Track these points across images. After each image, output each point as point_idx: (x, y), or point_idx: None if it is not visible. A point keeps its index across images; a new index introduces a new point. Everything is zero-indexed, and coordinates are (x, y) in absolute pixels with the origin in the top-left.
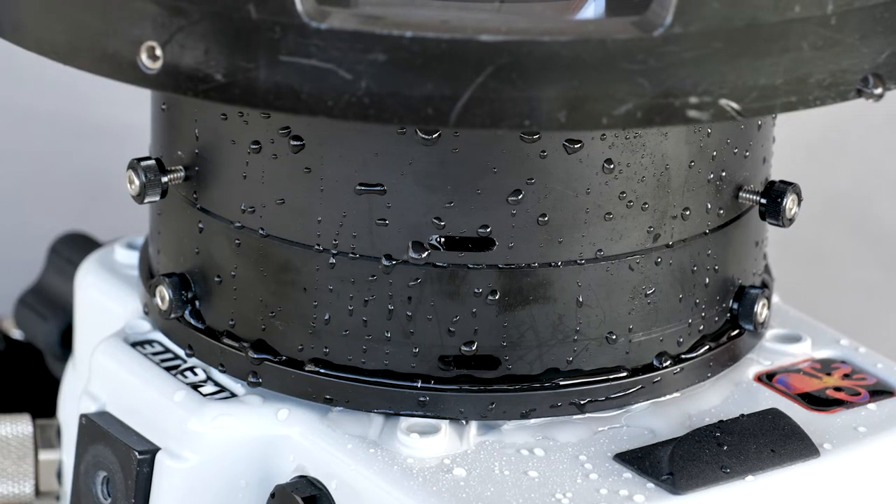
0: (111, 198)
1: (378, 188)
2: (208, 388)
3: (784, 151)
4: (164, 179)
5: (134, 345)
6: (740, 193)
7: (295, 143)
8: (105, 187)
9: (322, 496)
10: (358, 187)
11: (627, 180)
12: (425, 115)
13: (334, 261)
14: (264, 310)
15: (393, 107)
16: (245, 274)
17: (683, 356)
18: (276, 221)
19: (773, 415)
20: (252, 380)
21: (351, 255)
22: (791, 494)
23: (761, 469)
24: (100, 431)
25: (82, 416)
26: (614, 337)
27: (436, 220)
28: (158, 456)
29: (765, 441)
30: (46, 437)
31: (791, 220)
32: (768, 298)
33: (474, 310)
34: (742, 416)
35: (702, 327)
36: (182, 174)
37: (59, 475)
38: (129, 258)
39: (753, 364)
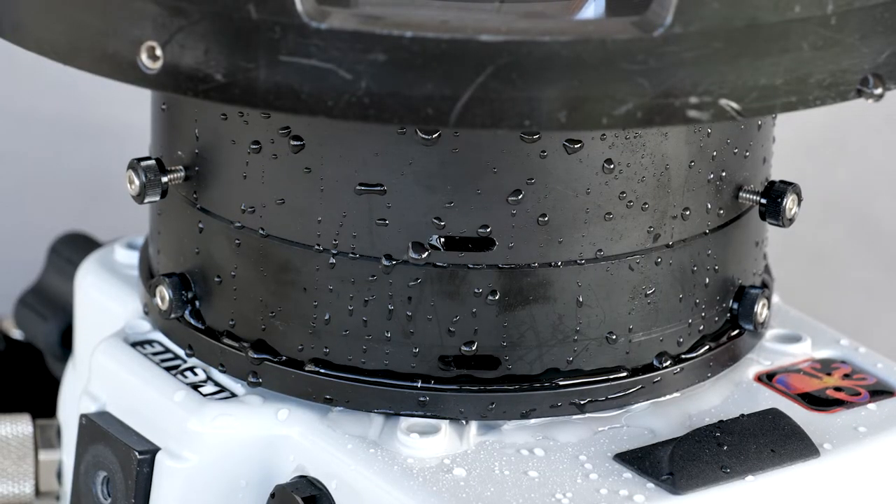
0: (111, 198)
1: (378, 188)
2: (208, 388)
3: (784, 151)
4: (164, 179)
5: (134, 345)
6: (740, 193)
7: (295, 143)
8: (105, 187)
9: (322, 496)
10: (358, 187)
11: (627, 180)
12: (425, 115)
13: (334, 261)
14: (264, 310)
15: (393, 107)
16: (245, 274)
17: (683, 356)
18: (276, 221)
19: (773, 415)
20: (252, 380)
21: (351, 255)
22: (791, 494)
23: (761, 469)
24: (100, 431)
25: (82, 416)
26: (614, 337)
27: (436, 220)
28: (158, 456)
29: (765, 441)
30: (46, 437)
31: (791, 220)
32: (768, 298)
33: (474, 310)
34: (742, 416)
35: (702, 327)
36: (182, 174)
37: (59, 475)
38: (129, 258)
39: (753, 364)
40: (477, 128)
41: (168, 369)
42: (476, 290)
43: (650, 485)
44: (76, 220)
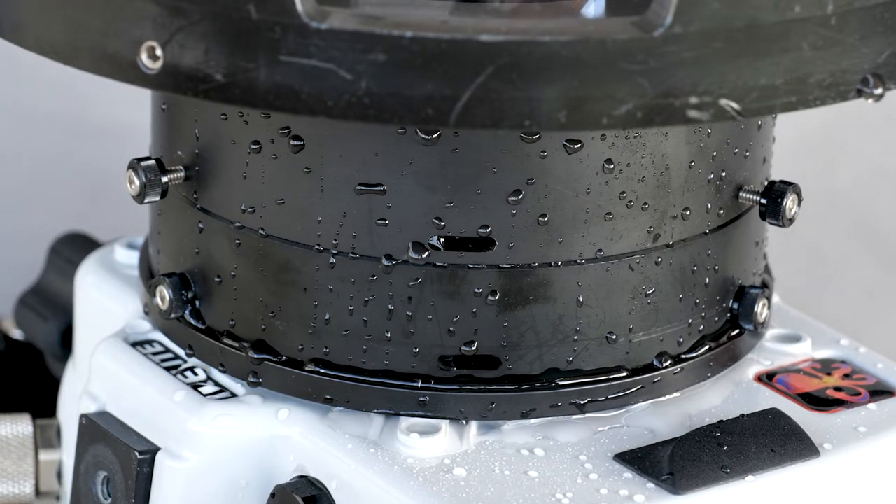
0: (111, 198)
1: (378, 188)
2: (208, 388)
3: (784, 151)
4: (165, 179)
5: (134, 345)
6: (740, 193)
7: (295, 143)
8: (105, 187)
9: (322, 496)
10: (358, 187)
11: (627, 180)
12: (425, 115)
13: (334, 261)
14: (264, 310)
15: (393, 107)
16: (245, 274)
17: (683, 356)
18: (276, 221)
19: (774, 415)
20: (252, 380)
21: (351, 255)
22: (791, 494)
23: (761, 469)
24: (100, 431)
25: (82, 416)
26: (614, 337)
27: (436, 220)
28: (158, 456)
29: (765, 441)
30: (46, 437)
31: (791, 220)
32: (768, 298)
33: (474, 310)
34: (742, 416)
35: (702, 327)
36: (182, 174)
37: (59, 475)
38: (129, 258)
39: (753, 364)
40: (477, 128)
41: (168, 369)
42: (476, 290)
43: (650, 485)
44: (76, 220)
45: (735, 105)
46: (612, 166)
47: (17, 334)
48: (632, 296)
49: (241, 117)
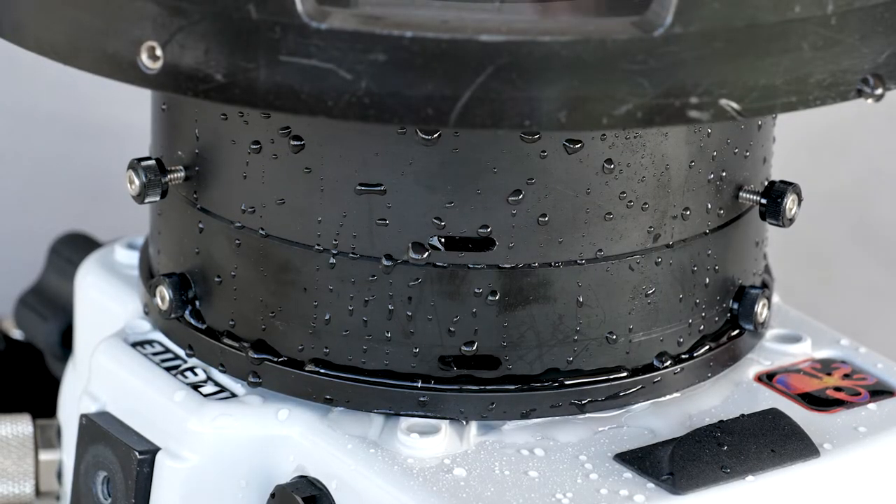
0: (111, 198)
1: (378, 188)
2: (208, 389)
3: (784, 151)
4: (165, 179)
5: (134, 345)
6: (740, 193)
7: (295, 143)
8: (105, 187)
9: (322, 496)
10: (358, 187)
11: (627, 180)
12: (425, 115)
13: (334, 261)
14: (264, 310)
15: (393, 107)
16: (245, 274)
17: (683, 356)
18: (276, 221)
19: (774, 415)
20: (252, 380)
21: (351, 255)
22: (791, 494)
23: (761, 469)
24: (100, 431)
25: (82, 416)
26: (614, 337)
27: (436, 221)
28: (158, 456)
29: (765, 441)
30: (47, 437)
31: (791, 221)
32: (768, 298)
33: (474, 310)
34: (742, 416)
35: (702, 327)
36: (182, 174)
37: (59, 475)
38: (129, 258)
39: (754, 364)
40: (477, 128)
41: (168, 369)
42: (476, 290)
43: (650, 485)
44: (76, 220)
45: (735, 105)
46: (612, 166)
47: (17, 334)
48: (632, 296)
49: (241, 117)
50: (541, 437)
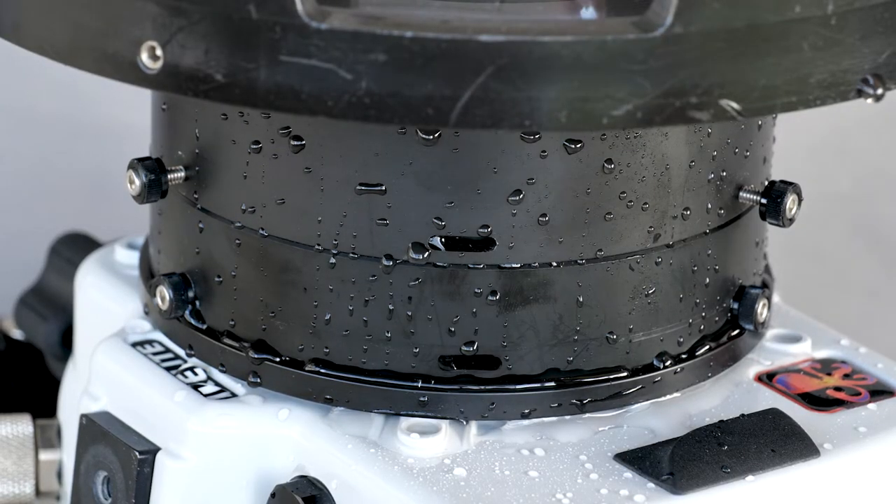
0: (111, 198)
1: (378, 188)
2: (209, 388)
3: (784, 151)
4: (165, 179)
5: (134, 345)
6: (740, 193)
7: (295, 143)
8: (105, 187)
9: (322, 496)
10: (358, 187)
11: (627, 180)
12: (425, 115)
13: (335, 261)
14: (265, 310)
15: (393, 107)
16: (245, 274)
17: (684, 356)
18: (276, 221)
19: (774, 415)
20: (252, 380)
21: (351, 255)
22: (791, 494)
23: (761, 469)
24: (100, 431)
25: (83, 416)
26: (614, 337)
27: (436, 221)
28: (159, 456)
29: (765, 441)
30: (47, 437)
31: (791, 221)
32: (769, 298)
33: (474, 310)
34: (742, 415)
35: (702, 327)
36: (182, 174)
37: (59, 475)
38: (129, 258)
39: (754, 364)
40: (477, 128)
41: (168, 369)
42: (476, 290)
43: (650, 485)
44: (76, 220)
45: (735, 105)
46: (612, 166)
47: (17, 334)
48: (632, 296)
49: (242, 117)
50: (541, 437)
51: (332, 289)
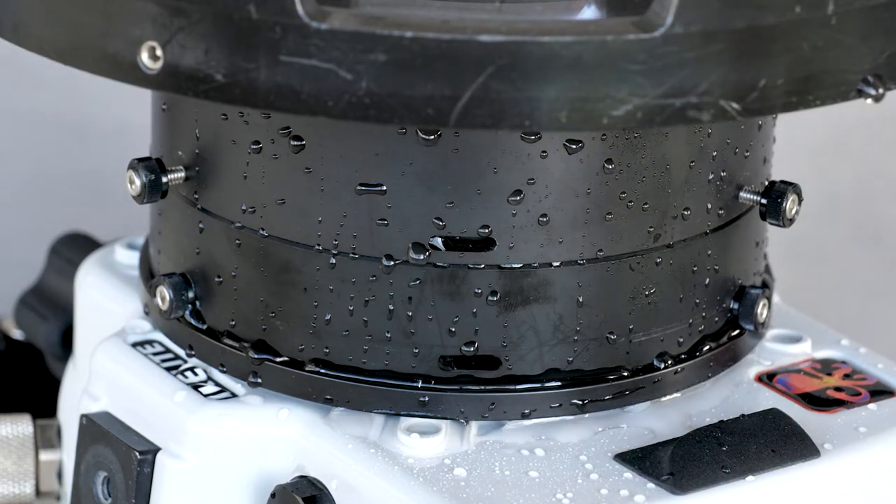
0: (111, 198)
1: (378, 188)
2: (209, 389)
3: (785, 151)
4: (165, 179)
5: (134, 345)
6: (741, 193)
7: (295, 143)
8: (105, 187)
9: (323, 496)
10: (358, 187)
11: (628, 180)
12: (426, 115)
13: (335, 261)
14: (265, 310)
15: (393, 107)
16: (245, 274)
17: (684, 356)
18: (276, 221)
19: (774, 415)
20: (252, 380)
21: (351, 255)
22: (792, 494)
23: (762, 469)
24: (100, 431)
25: (83, 416)
26: (614, 337)
27: (436, 221)
28: (159, 456)
29: (765, 441)
30: (47, 438)
31: (791, 221)
32: (769, 298)
33: (475, 310)
34: (742, 416)
35: (702, 327)
36: (182, 174)
37: (59, 475)
38: (129, 258)
39: (754, 364)
40: (477, 128)
41: (168, 369)
42: (476, 291)
43: (651, 485)
44: (76, 220)
45: (735, 105)
46: (612, 166)
47: (17, 334)
48: (632, 296)
49: (242, 117)
50: (541, 438)
51: (332, 289)
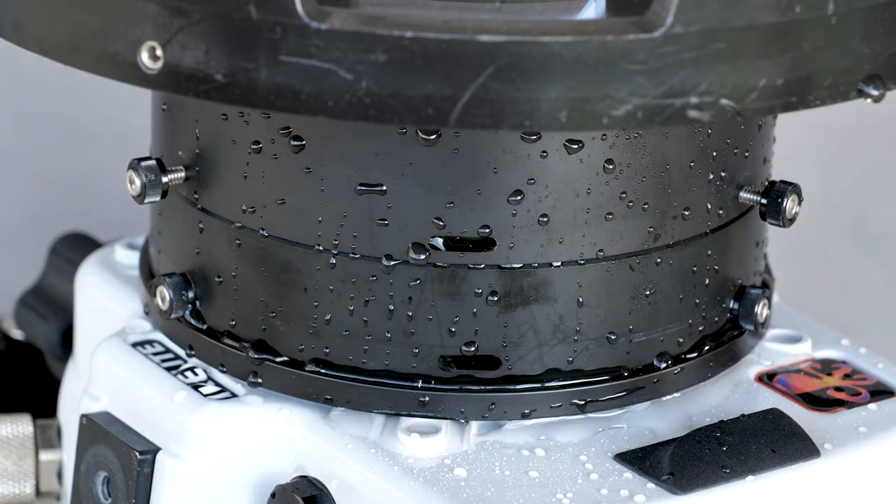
0: (111, 198)
1: (378, 188)
2: (209, 389)
3: (784, 151)
4: (165, 179)
5: (134, 345)
6: (741, 193)
7: (295, 143)
8: (105, 187)
9: (323, 496)
10: (358, 187)
11: (628, 180)
12: (426, 115)
13: (335, 261)
14: (265, 310)
15: (393, 107)
16: (246, 274)
17: (684, 356)
18: (276, 221)
19: (774, 415)
20: (252, 380)
21: (351, 255)
22: (792, 494)
23: (762, 469)
24: (100, 431)
25: (83, 416)
26: (615, 337)
27: (436, 221)
28: (159, 456)
29: (765, 441)
30: (47, 438)
31: (791, 221)
32: (769, 298)
33: (475, 310)
34: (742, 416)
35: (702, 327)
36: (182, 174)
37: (59, 475)
38: (129, 258)
39: (754, 364)
40: (477, 128)
41: (168, 369)
42: (476, 291)
43: (651, 485)
44: (76, 220)
45: (735, 105)
46: (612, 166)
47: (17, 334)
48: (632, 296)
49: (242, 117)
50: (541, 437)
51: (332, 289)
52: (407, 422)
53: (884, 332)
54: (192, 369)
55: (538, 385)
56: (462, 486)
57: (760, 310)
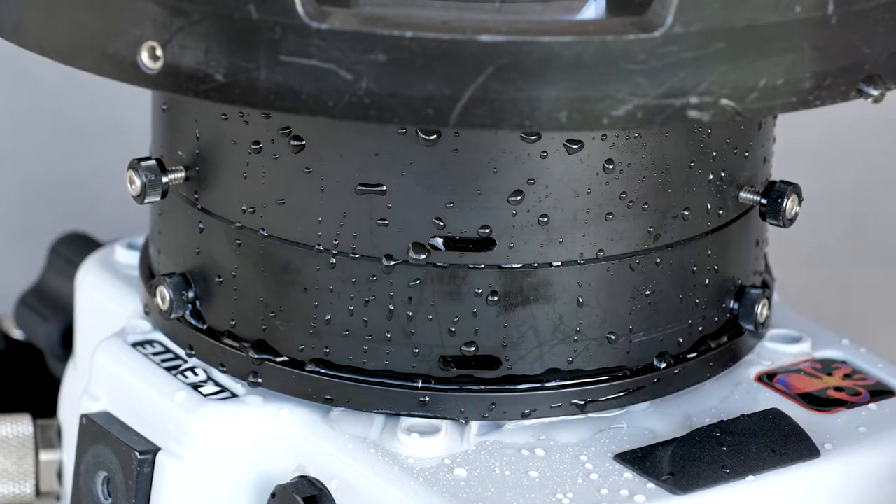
0: (111, 198)
1: (378, 188)
2: (209, 389)
3: (785, 151)
4: (165, 179)
5: (134, 345)
6: (741, 193)
7: (295, 143)
8: (105, 187)
9: (323, 496)
10: (358, 187)
11: (628, 180)
12: (426, 115)
13: (335, 261)
14: (265, 310)
15: (393, 107)
16: (246, 274)
17: (684, 356)
18: (276, 221)
19: (774, 415)
20: (252, 380)
21: (351, 255)
22: (792, 494)
23: (762, 469)
24: (100, 431)
25: (83, 416)
26: (614, 337)
27: (436, 221)
28: (159, 456)
29: (765, 441)
30: (47, 438)
31: (791, 221)
32: (769, 298)
33: (475, 310)
34: (742, 416)
35: (702, 327)
36: (183, 174)
37: (59, 475)
38: (129, 258)
39: (754, 364)
40: (477, 128)
41: (168, 369)
42: (476, 291)
43: (651, 485)
44: (76, 220)
45: (735, 105)
46: (612, 166)
47: (17, 334)
48: (632, 296)
49: (242, 117)
50: (541, 438)
51: (332, 289)
52: (407, 422)
53: (884, 332)
54: (192, 369)
55: (538, 385)
56: (462, 486)
57: (760, 310)
